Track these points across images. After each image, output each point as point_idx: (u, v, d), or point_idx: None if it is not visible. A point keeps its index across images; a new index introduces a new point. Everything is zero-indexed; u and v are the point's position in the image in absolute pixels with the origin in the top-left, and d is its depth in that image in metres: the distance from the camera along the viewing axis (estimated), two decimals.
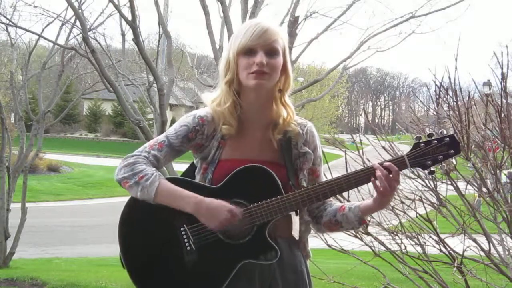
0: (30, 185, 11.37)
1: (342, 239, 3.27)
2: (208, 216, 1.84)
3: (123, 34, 8.34)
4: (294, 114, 2.01)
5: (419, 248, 3.37)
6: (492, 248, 3.22)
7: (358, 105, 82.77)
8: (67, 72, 13.25)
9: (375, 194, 1.91)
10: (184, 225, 1.90)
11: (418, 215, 3.39)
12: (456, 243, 3.26)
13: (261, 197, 1.87)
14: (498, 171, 3.17)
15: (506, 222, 3.21)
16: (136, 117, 5.95)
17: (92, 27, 8.10)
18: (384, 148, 3.44)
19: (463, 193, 3.33)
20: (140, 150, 1.98)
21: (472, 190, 3.41)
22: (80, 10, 6.63)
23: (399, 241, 3.39)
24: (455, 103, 3.28)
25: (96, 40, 8.13)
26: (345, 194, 3.19)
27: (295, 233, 2.03)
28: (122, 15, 6.32)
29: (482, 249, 3.22)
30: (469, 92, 3.32)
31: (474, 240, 3.25)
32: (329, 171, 2.97)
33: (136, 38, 5.66)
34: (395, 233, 3.38)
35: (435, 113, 3.55)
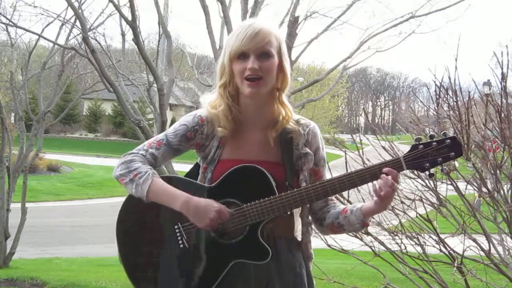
0: (30, 185, 11.37)
1: (342, 239, 3.27)
2: (196, 215, 1.84)
3: (123, 34, 8.34)
4: (292, 113, 2.00)
5: (419, 248, 3.37)
6: (492, 248, 3.22)
7: (358, 105, 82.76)
8: (67, 72, 13.26)
9: (375, 197, 1.90)
10: (178, 223, 1.91)
11: (418, 215, 3.39)
12: (456, 243, 3.26)
13: (255, 197, 1.87)
14: (498, 171, 3.17)
15: (506, 222, 3.21)
16: (136, 117, 5.95)
17: (92, 27, 8.10)
18: (384, 148, 3.44)
19: (463, 193, 3.33)
20: (139, 148, 2.00)
21: (472, 190, 3.41)
22: (80, 10, 6.63)
23: (399, 241, 3.39)
24: (455, 103, 3.28)
25: (96, 40, 8.13)
26: (345, 194, 3.20)
27: (298, 234, 2.03)
28: (122, 15, 6.32)
29: (482, 249, 3.22)
30: (469, 92, 3.32)
31: (474, 240, 3.25)
32: (329, 171, 2.96)
33: (136, 38, 5.65)
34: (395, 233, 3.38)
35: (435, 113, 3.55)
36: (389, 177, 1.82)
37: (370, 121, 4.56)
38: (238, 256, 1.88)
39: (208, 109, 1.98)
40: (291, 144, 1.99)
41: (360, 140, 3.63)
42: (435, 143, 1.84)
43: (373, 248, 3.43)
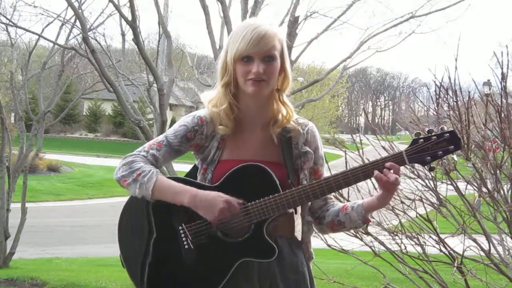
0: (30, 185, 11.37)
1: (342, 239, 3.27)
2: (205, 207, 1.84)
3: (123, 34, 8.34)
4: (293, 112, 2.01)
5: (419, 248, 3.37)
6: (492, 248, 3.22)
7: (358, 105, 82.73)
8: (67, 72, 13.27)
9: (378, 191, 1.90)
10: (182, 224, 1.90)
11: (418, 215, 3.39)
12: (456, 243, 3.26)
13: (259, 196, 1.87)
14: (498, 171, 3.17)
15: (506, 222, 3.21)
16: (136, 117, 5.95)
17: (92, 27, 8.10)
18: (384, 148, 3.44)
19: (463, 193, 3.32)
20: (139, 150, 2.00)
21: (472, 190, 3.41)
22: (80, 10, 6.63)
23: (399, 241, 3.39)
24: (455, 103, 3.28)
25: (96, 40, 8.13)
26: (345, 193, 3.20)
27: (298, 234, 2.03)
28: (122, 15, 6.32)
29: (482, 249, 3.22)
30: (469, 92, 3.32)
31: (474, 240, 3.25)
32: (329, 171, 2.96)
33: (136, 38, 5.66)
34: (395, 233, 3.38)
35: (435, 113, 3.55)
36: (392, 171, 1.84)
37: (370, 121, 4.55)
38: (244, 255, 1.87)
39: (209, 108, 1.98)
40: (291, 143, 2.00)
41: (360, 140, 3.63)
42: (434, 136, 1.87)
43: (373, 248, 3.43)
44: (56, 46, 9.31)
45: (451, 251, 3.27)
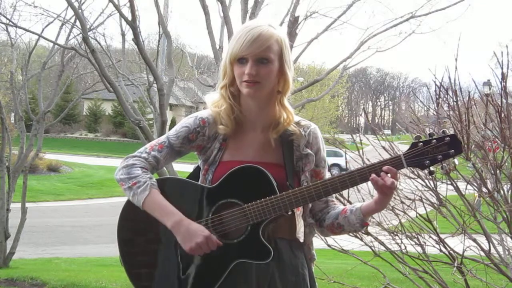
0: (30, 185, 11.37)
1: (342, 239, 3.26)
2: (185, 237, 1.84)
3: (123, 34, 8.34)
4: (293, 116, 2.01)
5: (419, 248, 3.37)
6: (492, 248, 3.22)
7: (358, 105, 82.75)
8: (67, 72, 13.24)
9: (375, 194, 1.90)
10: None
11: (418, 215, 3.39)
12: (456, 243, 3.26)
13: (256, 197, 1.86)
14: (498, 171, 3.17)
15: (506, 222, 3.21)
16: (136, 117, 5.95)
17: (92, 27, 8.11)
18: (384, 148, 3.44)
19: (463, 193, 3.32)
20: (141, 151, 1.99)
21: (472, 190, 3.41)
22: (80, 10, 6.63)
23: (399, 241, 3.39)
24: (455, 103, 3.28)
25: (96, 40, 8.14)
26: (345, 193, 3.20)
27: (300, 235, 2.03)
28: (122, 15, 6.32)
29: (482, 249, 3.22)
30: (469, 92, 3.32)
31: (474, 240, 3.25)
32: (329, 171, 2.96)
33: (136, 38, 5.65)
34: (395, 233, 3.38)
35: (435, 113, 3.55)
36: (389, 175, 1.82)
37: (370, 121, 4.55)
38: (240, 256, 1.87)
39: (212, 108, 1.99)
40: (292, 145, 1.99)
41: (360, 140, 3.63)
42: (434, 140, 1.85)
43: (373, 248, 3.43)
44: (56, 46, 9.31)
45: (451, 251, 3.27)
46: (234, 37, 1.93)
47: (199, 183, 1.98)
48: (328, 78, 17.16)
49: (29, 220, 9.18)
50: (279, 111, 1.98)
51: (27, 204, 9.08)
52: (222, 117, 1.95)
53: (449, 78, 3.31)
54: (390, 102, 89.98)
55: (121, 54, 9.12)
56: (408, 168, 1.90)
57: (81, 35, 6.46)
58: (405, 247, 3.39)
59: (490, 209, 3.37)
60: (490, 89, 5.12)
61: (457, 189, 3.34)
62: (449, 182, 3.32)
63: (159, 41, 7.76)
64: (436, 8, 7.25)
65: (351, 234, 3.15)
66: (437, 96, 3.39)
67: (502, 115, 3.11)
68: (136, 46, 6.29)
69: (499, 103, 3.15)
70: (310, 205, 2.01)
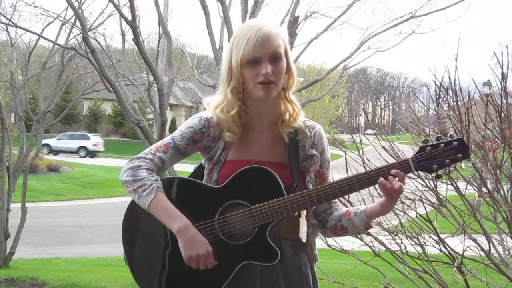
0: (30, 185, 11.36)
1: (342, 239, 3.26)
2: (189, 243, 1.83)
3: (123, 34, 8.35)
4: (300, 109, 2.00)
5: (419, 248, 3.37)
6: (492, 248, 3.22)
7: (358, 105, 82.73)
8: (67, 72, 13.26)
9: (381, 197, 1.89)
10: None
11: (418, 215, 3.39)
12: (456, 243, 3.26)
13: (263, 198, 1.86)
14: (498, 171, 3.17)
15: (506, 222, 3.21)
16: (136, 117, 5.95)
17: (92, 27, 8.11)
18: (384, 148, 3.44)
19: (463, 193, 3.33)
20: (146, 152, 1.98)
21: (472, 190, 3.41)
22: (80, 10, 6.63)
23: (399, 241, 3.39)
24: (455, 103, 3.28)
25: (96, 40, 8.15)
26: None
27: (303, 235, 2.02)
28: (122, 15, 6.32)
29: (482, 249, 3.22)
30: (469, 92, 3.32)
31: (474, 240, 3.25)
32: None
33: (136, 38, 5.65)
34: (395, 233, 3.38)
35: (435, 113, 3.55)
36: (397, 179, 1.82)
37: (370, 121, 4.56)
38: (246, 258, 1.87)
39: (217, 113, 1.96)
40: (297, 145, 1.99)
41: (360, 140, 3.63)
42: (442, 144, 1.84)
43: (373, 248, 3.43)
44: (56, 46, 9.31)
45: (451, 251, 3.27)
46: (239, 39, 1.89)
47: (204, 183, 1.97)
48: (328, 78, 17.15)
49: (29, 220, 9.18)
50: (285, 107, 1.97)
51: (27, 204, 9.08)
52: (229, 124, 1.93)
53: (449, 78, 3.32)
54: (390, 102, 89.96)
55: (121, 54, 9.13)
56: (416, 172, 1.90)
57: (81, 35, 6.46)
58: (405, 247, 3.39)
59: (490, 209, 3.37)
60: (490, 89, 5.12)
61: (457, 189, 3.34)
62: (449, 182, 3.32)
63: (159, 41, 7.77)
64: (436, 8, 7.27)
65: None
66: (437, 96, 3.39)
67: (502, 115, 3.11)
68: (136, 46, 6.29)
69: (499, 103, 3.15)
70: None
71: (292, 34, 6.65)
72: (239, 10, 6.54)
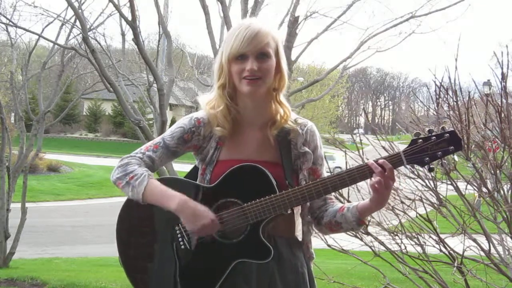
0: (30, 185, 11.37)
1: (342, 239, 3.27)
2: (191, 216, 1.83)
3: (123, 34, 8.35)
4: (290, 112, 2.01)
5: (419, 248, 3.37)
6: (492, 248, 3.22)
7: (358, 105, 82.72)
8: (67, 72, 13.26)
9: (371, 193, 1.90)
10: (179, 224, 1.90)
11: (418, 215, 3.38)
12: (456, 243, 3.26)
13: (255, 196, 1.86)
14: (498, 171, 3.17)
15: (506, 222, 3.21)
16: (136, 117, 5.95)
17: (92, 27, 8.11)
18: (384, 148, 3.44)
19: (463, 193, 3.32)
20: (136, 152, 2.00)
21: (472, 190, 3.41)
22: (80, 10, 6.63)
23: (399, 241, 3.38)
24: (455, 103, 3.28)
25: (96, 40, 8.15)
26: (345, 193, 3.20)
27: (298, 234, 2.02)
28: (122, 15, 6.33)
29: (482, 249, 3.22)
30: (469, 92, 3.32)
31: (474, 240, 3.25)
32: (329, 171, 2.96)
33: (136, 38, 5.66)
34: (395, 233, 3.38)
35: (435, 113, 3.55)
36: (385, 173, 1.81)
37: (370, 121, 4.56)
38: (240, 256, 1.87)
39: (207, 109, 1.98)
40: (290, 143, 1.99)
41: (360, 140, 3.63)
42: (434, 137, 1.83)
43: (373, 248, 3.43)
44: (56, 46, 9.32)
45: (451, 251, 3.27)
46: (230, 36, 1.93)
47: (197, 182, 1.98)
48: (328, 78, 17.15)
49: (29, 220, 9.18)
50: (276, 108, 1.98)
51: (27, 204, 9.09)
52: (218, 119, 1.95)
53: (449, 78, 3.31)
54: (390, 102, 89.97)
55: (121, 54, 9.13)
56: (408, 165, 1.89)
57: (81, 35, 6.46)
58: (405, 247, 3.39)
59: (490, 209, 3.37)
60: (490, 89, 5.11)
61: (457, 189, 3.33)
62: (449, 182, 3.32)
63: (159, 41, 7.77)
64: (436, 8, 7.28)
65: (351, 233, 3.17)
66: (437, 96, 3.39)
67: (502, 115, 3.11)
68: (136, 46, 6.30)
69: (499, 103, 3.15)
70: (308, 203, 2.01)
71: (292, 34, 6.65)
72: (239, 10, 6.56)
